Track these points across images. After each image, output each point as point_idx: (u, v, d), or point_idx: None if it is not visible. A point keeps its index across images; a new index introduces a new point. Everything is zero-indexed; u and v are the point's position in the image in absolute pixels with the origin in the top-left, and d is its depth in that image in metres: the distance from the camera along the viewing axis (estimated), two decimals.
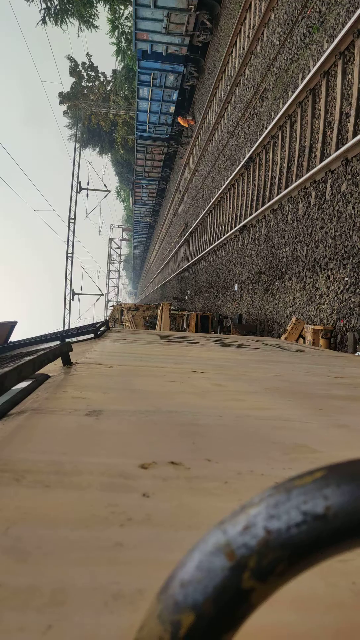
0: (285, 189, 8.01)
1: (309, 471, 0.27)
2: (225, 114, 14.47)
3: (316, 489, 0.25)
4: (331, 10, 7.00)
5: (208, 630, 0.22)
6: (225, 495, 0.59)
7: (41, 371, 1.45)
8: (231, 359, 2.19)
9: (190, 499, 0.57)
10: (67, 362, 1.58)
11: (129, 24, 26.33)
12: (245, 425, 0.93)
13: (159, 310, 10.97)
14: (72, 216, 32.36)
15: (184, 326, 11.40)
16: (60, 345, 1.48)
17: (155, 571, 0.42)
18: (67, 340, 1.73)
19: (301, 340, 5.39)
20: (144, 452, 0.71)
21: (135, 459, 0.68)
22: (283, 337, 5.55)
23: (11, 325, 4.49)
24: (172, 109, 23.29)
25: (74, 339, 3.11)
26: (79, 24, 29.10)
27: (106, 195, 36.15)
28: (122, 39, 30.20)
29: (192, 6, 15.87)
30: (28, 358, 1.08)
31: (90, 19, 28.88)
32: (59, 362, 1.61)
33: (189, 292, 18.81)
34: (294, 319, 5.39)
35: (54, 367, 1.58)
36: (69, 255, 32.53)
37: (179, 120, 22.45)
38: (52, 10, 28.22)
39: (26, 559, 0.42)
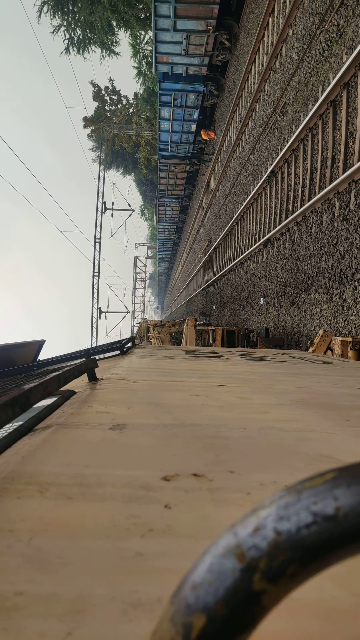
0: (309, 201, 7.97)
1: (319, 473, 0.27)
2: (246, 129, 14.59)
3: (326, 490, 0.25)
4: (349, 23, 7.02)
5: (220, 633, 0.22)
6: (247, 505, 0.58)
7: (67, 387, 1.47)
8: (257, 372, 2.17)
9: (212, 510, 0.57)
10: (92, 378, 1.61)
11: (150, 47, 27.05)
12: (269, 437, 0.92)
13: (184, 326, 10.99)
14: (97, 236, 32.97)
15: (210, 341, 11.37)
16: (86, 362, 1.50)
17: (174, 580, 0.42)
18: (93, 357, 1.75)
19: (329, 352, 5.29)
20: (167, 465, 0.71)
21: (158, 471, 0.68)
22: (311, 349, 5.47)
23: (39, 344, 4.58)
24: (194, 127, 23.63)
25: (101, 356, 3.15)
26: (101, 51, 30.02)
27: (130, 215, 36.74)
28: (143, 63, 30.99)
29: (211, 27, 16.18)
30: (54, 374, 1.10)
31: (112, 46, 29.77)
32: (85, 378, 1.64)
33: (214, 307, 18.79)
34: (321, 331, 5.30)
35: (80, 384, 1.60)
36: (96, 274, 33.06)
37: (202, 133, 22.73)
38: (75, 39, 29.25)
39: (47, 568, 0.43)
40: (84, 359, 1.55)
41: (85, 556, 0.45)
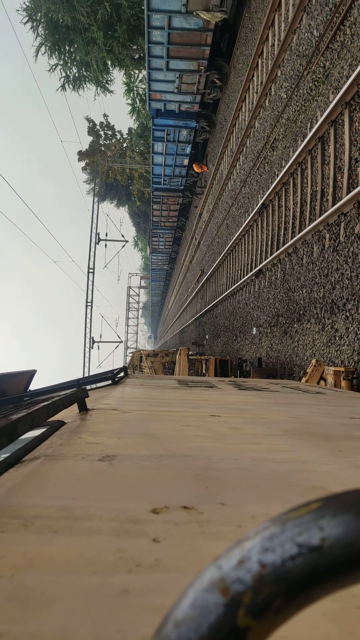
0: (299, 232, 8.12)
1: (305, 503, 0.26)
2: (237, 164, 14.98)
3: (312, 520, 0.24)
4: (335, 65, 7.33)
5: None
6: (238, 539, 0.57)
7: (57, 418, 1.45)
8: (249, 402, 2.15)
9: (201, 543, 0.55)
10: (83, 409, 1.58)
11: (144, 85, 27.98)
12: (261, 468, 0.91)
13: (177, 356, 10.95)
14: (91, 266, 33.20)
15: (203, 371, 11.32)
16: (76, 392, 1.48)
17: (161, 618, 0.40)
18: (83, 387, 1.73)
19: (322, 382, 5.28)
20: (156, 497, 0.70)
21: (147, 503, 0.66)
22: (304, 379, 5.46)
23: (30, 374, 4.53)
24: (186, 161, 24.23)
25: (93, 386, 3.12)
26: (96, 89, 31.03)
27: (124, 245, 37.15)
28: (137, 100, 32.02)
29: (202, 67, 16.82)
30: (42, 404, 1.08)
31: (106, 84, 30.80)
32: (75, 409, 1.62)
33: (207, 336, 18.80)
34: (314, 361, 5.31)
35: (70, 414, 1.58)
36: (89, 304, 33.11)
37: (194, 166, 23.28)
38: (71, 77, 30.26)
39: (30, 606, 0.41)
40: (75, 389, 1.54)
41: (69, 593, 0.44)
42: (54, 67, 29.61)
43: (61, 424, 1.35)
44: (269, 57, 11.50)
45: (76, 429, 1.24)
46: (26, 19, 26.76)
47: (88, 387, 3.02)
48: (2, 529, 0.56)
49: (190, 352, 12.44)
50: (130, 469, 0.85)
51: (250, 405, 2.03)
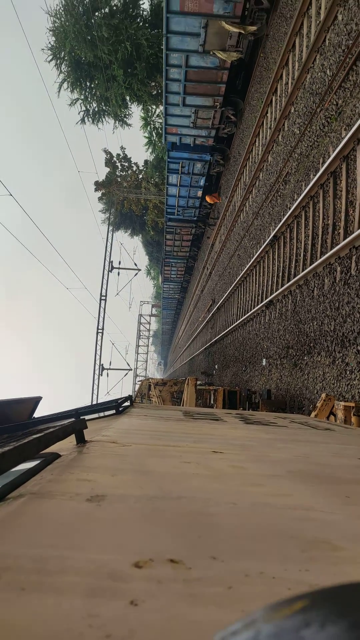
0: (311, 264, 8.11)
1: (287, 599, 0.21)
2: (250, 196, 15.17)
3: (292, 629, 0.18)
4: (347, 103, 7.47)
5: None
6: (227, 604, 0.50)
7: (54, 449, 1.39)
8: (255, 438, 2.08)
9: (185, 609, 0.49)
10: (80, 440, 1.53)
11: (160, 120, 28.83)
12: (260, 515, 0.84)
13: (184, 385, 10.83)
14: (103, 293, 33.48)
15: (211, 402, 11.16)
16: (73, 423, 1.43)
17: None
18: (82, 417, 1.68)
19: (332, 417, 5.14)
20: (142, 547, 0.63)
21: (131, 554, 0.60)
22: (313, 414, 5.32)
23: (35, 401, 4.48)
24: (200, 193, 24.65)
25: (96, 415, 3.05)
26: (115, 122, 32.04)
27: (136, 274, 37.48)
28: (154, 133, 32.95)
29: (218, 103, 17.30)
30: (34, 436, 1.03)
31: (124, 118, 31.80)
32: (73, 439, 1.56)
33: (216, 366, 18.65)
34: (323, 395, 5.19)
35: (68, 446, 1.52)
36: (99, 330, 33.22)
37: (207, 198, 23.65)
38: (91, 112, 31.34)
39: None
40: (72, 420, 1.49)
41: None
42: (74, 101, 30.75)
43: (56, 456, 1.29)
44: (283, 94, 11.79)
45: (70, 463, 1.18)
46: (50, 57, 27.99)
47: (91, 417, 2.96)
48: None
49: (199, 382, 12.30)
50: (119, 511, 0.79)
51: (255, 442, 1.95)
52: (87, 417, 2.78)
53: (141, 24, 25.70)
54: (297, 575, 0.58)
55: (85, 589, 0.51)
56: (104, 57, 25.42)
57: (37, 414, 4.43)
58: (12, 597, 0.48)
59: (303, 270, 8.47)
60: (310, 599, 0.20)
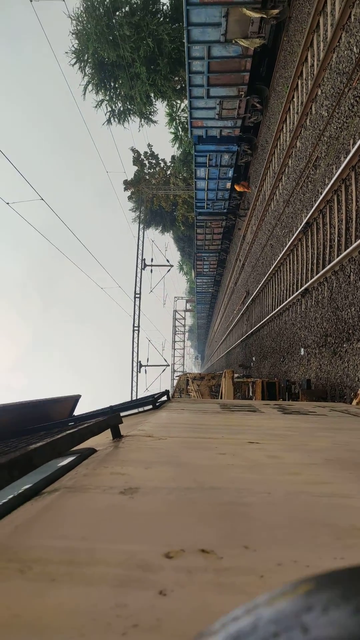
0: (345, 249, 7.89)
1: (292, 583, 0.21)
2: (280, 184, 14.90)
3: (294, 614, 0.17)
4: None
5: None
6: (258, 593, 0.49)
7: (91, 445, 1.41)
8: (292, 428, 2.04)
9: (215, 598, 0.48)
10: (116, 435, 1.54)
11: (185, 114, 28.71)
12: (295, 503, 0.82)
13: (222, 379, 10.80)
14: (137, 291, 33.78)
15: (250, 394, 11.07)
16: (107, 418, 1.44)
17: None
18: (116, 413, 1.69)
19: None
20: (174, 538, 0.63)
21: (162, 545, 0.60)
22: (355, 401, 5.19)
23: (75, 399, 4.57)
24: (229, 185, 24.41)
25: (134, 411, 3.09)
26: (140, 120, 32.14)
27: (169, 270, 37.59)
28: (179, 128, 32.84)
29: (242, 92, 17.04)
30: (67, 432, 1.05)
31: (150, 116, 31.85)
32: (110, 435, 1.58)
33: (254, 358, 18.48)
34: None
35: (104, 441, 1.54)
36: (135, 328, 33.55)
37: (236, 187, 23.39)
38: (116, 112, 31.56)
39: None
40: (107, 416, 1.50)
41: None
42: (100, 102, 31.05)
43: (92, 451, 1.31)
44: (309, 77, 11.48)
45: (105, 458, 1.19)
46: (74, 60, 28.35)
47: (129, 412, 3.00)
48: None
49: (236, 375, 12.22)
50: (151, 503, 0.79)
51: (293, 431, 1.92)
52: (124, 413, 2.82)
53: (162, 19, 25.61)
54: (332, 563, 0.56)
55: (115, 580, 0.51)
56: (127, 56, 25.52)
57: (77, 412, 4.53)
58: (43, 587, 0.49)
59: (338, 256, 8.25)
60: (315, 583, 0.19)
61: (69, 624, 0.42)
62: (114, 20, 25.25)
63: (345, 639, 0.15)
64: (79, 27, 26.90)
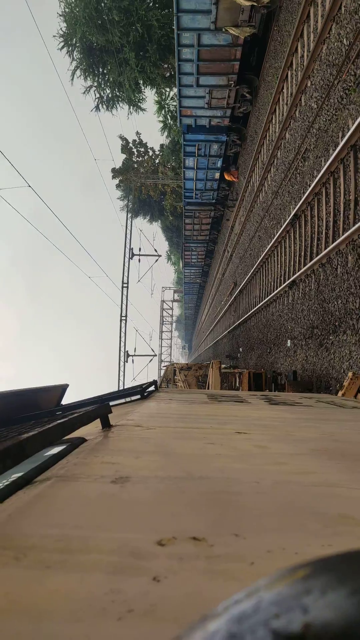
0: (333, 242, 7.95)
1: (290, 568, 0.22)
2: (269, 175, 14.89)
3: (294, 597, 0.19)
4: None
5: None
6: (248, 580, 0.51)
7: (80, 434, 1.42)
8: (279, 418, 2.07)
9: (207, 584, 0.49)
10: (106, 425, 1.55)
11: (174, 103, 28.45)
12: (283, 492, 0.84)
13: (209, 369, 10.85)
14: (125, 281, 33.63)
15: (237, 385, 11.16)
16: (97, 408, 1.45)
17: None
18: (106, 402, 1.70)
19: (359, 396, 5.08)
20: (165, 526, 0.64)
21: (154, 533, 0.61)
22: (340, 393, 5.27)
23: (63, 388, 4.56)
24: (217, 175, 24.33)
25: (122, 400, 3.10)
26: (129, 108, 31.77)
27: (157, 260, 37.48)
28: (168, 116, 32.54)
29: (232, 82, 16.94)
30: (58, 421, 1.06)
31: (139, 103, 31.47)
32: (99, 424, 1.59)
33: (241, 349, 18.60)
34: (350, 374, 5.13)
35: (94, 430, 1.55)
36: (123, 318, 33.46)
37: (225, 175, 23.33)
38: (105, 98, 31.12)
39: None
40: (97, 405, 1.51)
41: None
42: (88, 89, 30.57)
43: (82, 441, 1.32)
44: (299, 68, 11.45)
45: (95, 447, 1.21)
46: (62, 44, 27.82)
47: (117, 402, 3.01)
48: None
49: (223, 366, 12.29)
50: (142, 492, 0.80)
51: (279, 422, 1.95)
52: (113, 403, 2.82)
53: (151, 4, 25.21)
54: (320, 551, 0.58)
55: (108, 567, 0.52)
56: (116, 41, 25.12)
57: (65, 401, 4.52)
58: (38, 574, 0.50)
59: (325, 249, 8.31)
60: (312, 567, 0.20)
61: (65, 609, 0.44)
62: (102, 4, 24.80)
63: (342, 619, 0.17)
64: (66, 10, 26.37)
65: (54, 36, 27.55)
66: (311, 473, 1.00)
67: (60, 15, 26.74)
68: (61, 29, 27.30)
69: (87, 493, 0.78)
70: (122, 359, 33.52)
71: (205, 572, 0.52)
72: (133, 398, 3.07)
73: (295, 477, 0.96)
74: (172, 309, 63.75)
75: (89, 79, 29.79)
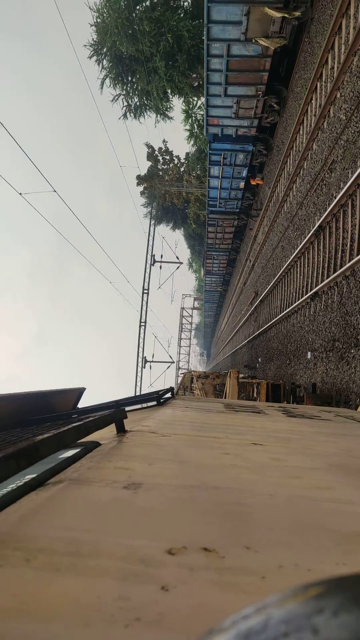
0: (358, 255, 7.84)
1: (302, 586, 0.21)
2: (294, 186, 14.82)
3: (305, 615, 0.18)
4: None
5: None
6: (259, 594, 0.49)
7: (94, 438, 1.42)
8: (297, 431, 2.04)
9: (216, 596, 0.48)
10: (120, 430, 1.55)
11: (201, 112, 28.63)
12: (298, 507, 0.82)
13: (227, 378, 10.79)
14: (145, 287, 33.82)
15: (254, 395, 11.05)
16: (112, 413, 1.45)
17: None
18: (122, 407, 1.70)
19: None
20: (176, 534, 0.63)
21: (165, 542, 0.60)
22: None
23: (80, 392, 4.59)
24: (242, 184, 24.33)
25: (138, 406, 3.09)
26: (156, 116, 32.11)
27: (178, 267, 37.55)
28: (195, 125, 32.77)
29: (260, 92, 16.96)
30: (72, 425, 1.06)
31: (166, 112, 31.79)
32: (114, 429, 1.59)
33: (260, 360, 18.45)
34: None
35: (108, 435, 1.55)
36: (142, 323, 33.61)
37: (251, 181, 23.29)
38: (132, 106, 31.54)
39: None
40: (112, 410, 1.51)
41: None
42: (116, 97, 31.04)
43: (96, 445, 1.31)
44: (328, 79, 11.40)
45: (109, 452, 1.20)
46: (92, 53, 28.35)
47: (133, 408, 3.01)
48: (0, 563, 0.52)
49: (242, 375, 12.21)
50: (154, 499, 0.79)
51: (297, 434, 1.92)
52: (129, 408, 2.83)
53: (182, 15, 25.51)
54: (333, 568, 0.57)
55: (118, 573, 0.51)
56: (146, 50, 25.47)
57: (81, 404, 4.54)
58: (47, 577, 0.50)
59: (350, 261, 8.20)
60: (326, 586, 0.19)
61: (74, 613, 0.43)
62: (134, 15, 25.20)
63: None
64: (98, 20, 26.88)
65: (84, 45, 28.11)
66: (327, 489, 0.98)
67: (92, 26, 27.29)
68: (93, 38, 27.84)
69: (99, 497, 0.78)
70: (139, 364, 33.63)
71: (215, 584, 0.51)
72: (149, 404, 3.06)
73: (310, 492, 0.94)
74: (191, 316, 63.71)
75: (117, 87, 30.27)
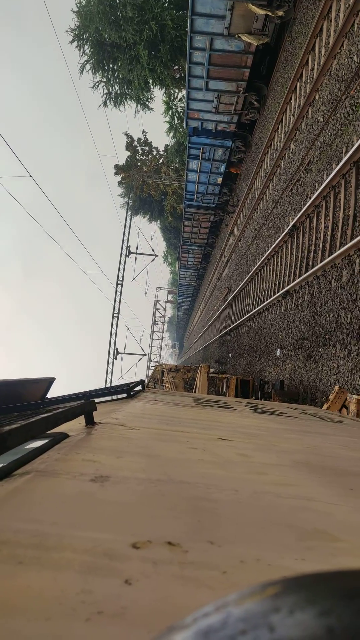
0: (329, 256, 8.00)
1: (261, 584, 0.21)
2: (271, 184, 14.96)
3: (262, 614, 0.18)
4: None
5: None
6: (220, 589, 0.51)
7: (63, 429, 1.41)
8: (263, 427, 2.08)
9: (178, 590, 0.49)
10: (89, 422, 1.54)
11: (182, 104, 28.49)
12: (261, 503, 0.85)
13: (197, 373, 10.86)
14: (120, 278, 33.57)
15: (224, 390, 11.16)
16: (82, 404, 1.45)
17: None
18: (92, 399, 1.69)
19: (344, 410, 5.11)
20: (141, 528, 0.64)
21: (130, 535, 0.61)
22: (325, 406, 5.30)
23: (49, 382, 4.53)
24: (220, 180, 24.40)
25: (108, 398, 3.08)
26: (136, 106, 31.77)
27: (153, 259, 37.42)
28: (175, 118, 32.60)
29: (241, 89, 17.01)
30: (42, 416, 1.05)
31: (147, 102, 31.49)
32: (83, 421, 1.58)
33: (230, 355, 18.63)
34: (336, 388, 5.15)
35: (77, 426, 1.54)
36: (115, 315, 33.39)
37: (231, 169, 23.34)
38: (113, 94, 31.08)
39: None
40: (82, 401, 1.50)
41: None
42: (97, 84, 30.51)
43: (64, 436, 1.31)
44: (308, 80, 11.53)
45: (77, 444, 1.20)
46: (73, 38, 27.72)
47: (103, 400, 2.99)
48: None
49: (212, 370, 12.30)
50: (121, 492, 0.80)
51: (263, 431, 1.96)
52: (98, 400, 2.81)
53: (166, 4, 25.24)
54: (293, 564, 0.59)
55: (82, 566, 0.52)
56: (129, 38, 25.09)
57: (50, 394, 4.49)
58: (10, 570, 0.50)
59: (321, 262, 8.36)
60: (283, 586, 0.20)
61: (36, 606, 0.43)
62: (117, 0, 24.78)
63: (308, 639, 0.17)
64: (82, 4, 26.31)
65: (66, 31, 27.46)
66: (290, 485, 1.01)
67: (74, 12, 26.66)
68: (75, 24, 27.22)
69: (65, 490, 0.78)
70: (111, 355, 33.44)
71: (177, 578, 0.52)
72: (119, 396, 3.05)
73: (274, 488, 0.97)
74: (165, 309, 63.70)
75: (98, 74, 29.74)
